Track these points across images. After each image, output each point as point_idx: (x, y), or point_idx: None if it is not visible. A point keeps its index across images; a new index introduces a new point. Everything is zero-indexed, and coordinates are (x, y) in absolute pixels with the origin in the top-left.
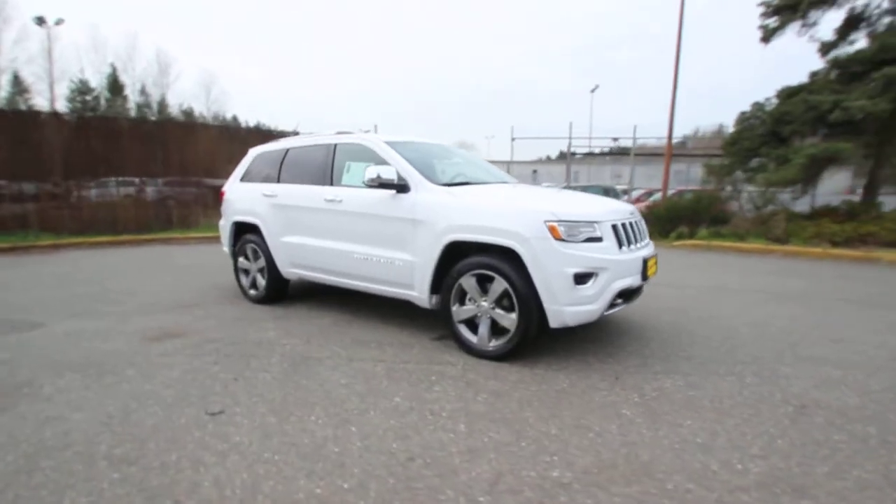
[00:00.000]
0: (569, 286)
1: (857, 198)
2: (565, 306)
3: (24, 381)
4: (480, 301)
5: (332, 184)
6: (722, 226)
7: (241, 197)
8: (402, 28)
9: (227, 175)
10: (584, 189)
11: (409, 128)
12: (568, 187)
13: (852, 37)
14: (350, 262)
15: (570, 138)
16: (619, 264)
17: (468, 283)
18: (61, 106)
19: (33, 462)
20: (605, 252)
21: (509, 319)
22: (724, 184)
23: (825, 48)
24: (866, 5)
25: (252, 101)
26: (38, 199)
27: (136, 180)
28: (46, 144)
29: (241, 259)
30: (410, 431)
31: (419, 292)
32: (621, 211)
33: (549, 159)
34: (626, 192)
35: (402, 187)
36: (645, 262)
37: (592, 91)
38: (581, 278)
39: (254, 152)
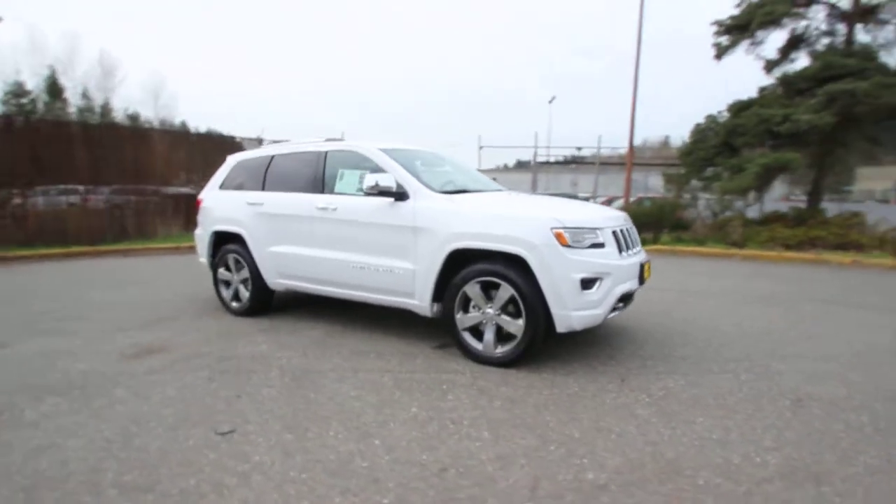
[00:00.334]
0: (576, 291)
1: (791, 205)
2: (572, 311)
3: (2, 407)
4: (486, 308)
5: (323, 191)
6: (683, 231)
7: (222, 205)
8: (357, 36)
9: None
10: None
11: (366, 135)
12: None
13: (793, 55)
14: (345, 271)
15: (535, 147)
16: (620, 269)
17: (473, 290)
18: None
19: (33, 496)
20: (608, 257)
21: (516, 325)
22: (683, 192)
23: (769, 65)
24: (806, 27)
25: (204, 107)
26: None
27: (80, 188)
28: None
29: (221, 270)
30: (436, 441)
31: (420, 301)
32: (618, 217)
33: (506, 168)
34: (588, 199)
35: (400, 195)
36: (642, 266)
37: (550, 102)
38: (587, 283)
39: (234, 159)
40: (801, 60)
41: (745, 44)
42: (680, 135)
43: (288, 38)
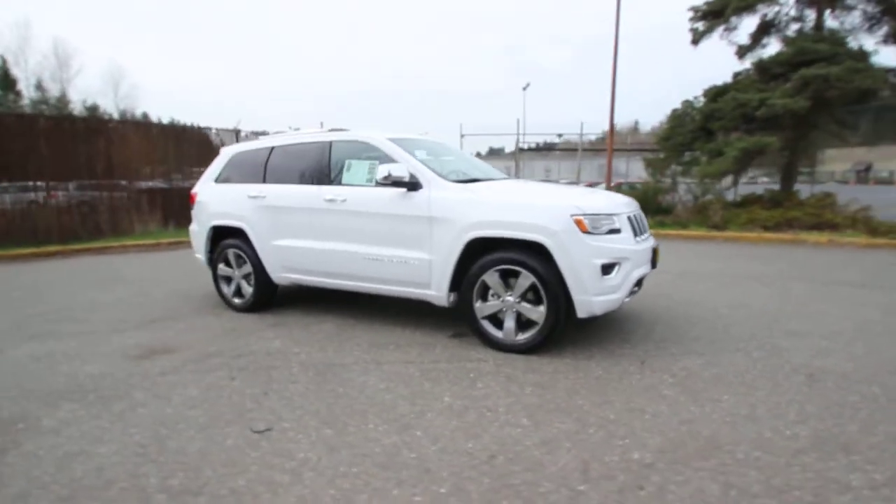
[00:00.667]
0: (597, 277)
1: (755, 188)
2: (593, 296)
3: (15, 416)
4: (505, 296)
5: (330, 183)
6: (665, 216)
7: (219, 199)
8: (321, 25)
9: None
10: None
11: (337, 125)
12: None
13: (765, 41)
14: (357, 263)
15: (518, 134)
16: (636, 254)
17: (492, 278)
18: None
19: None
20: (625, 243)
21: (537, 312)
22: (664, 176)
23: (742, 51)
24: (777, 12)
25: (166, 99)
26: None
27: (41, 184)
28: None
29: (221, 266)
30: (477, 430)
31: (437, 291)
32: (630, 204)
33: (479, 155)
34: (571, 185)
35: (413, 185)
36: (654, 250)
37: (524, 89)
38: (607, 269)
39: (230, 151)
40: (772, 46)
41: (720, 29)
42: (648, 121)
43: (254, 30)
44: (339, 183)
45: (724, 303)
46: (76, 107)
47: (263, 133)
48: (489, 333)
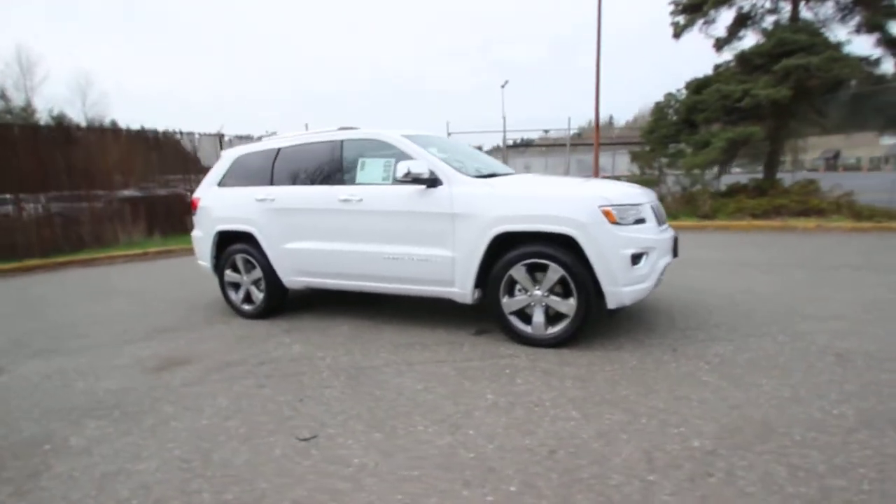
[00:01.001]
0: (626, 267)
1: (733, 177)
2: (623, 287)
3: (38, 437)
4: (533, 290)
5: (343, 182)
6: None
7: (225, 203)
8: (289, 25)
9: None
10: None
11: (305, 126)
12: None
13: (741, 33)
14: (375, 263)
15: (504, 132)
16: (660, 243)
17: (519, 273)
18: None
19: None
20: (651, 232)
21: (567, 305)
22: (651, 168)
23: (719, 43)
24: (753, 5)
25: (136, 106)
26: None
27: (8, 196)
28: None
29: (228, 272)
30: (530, 426)
31: (461, 288)
32: (650, 194)
33: None
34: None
35: (433, 181)
36: (675, 239)
37: (502, 87)
38: (635, 258)
39: (232, 154)
40: (748, 38)
41: (699, 23)
42: (622, 116)
43: (225, 34)
44: (353, 182)
45: (734, 290)
46: (42, 116)
47: (247, 137)
48: (518, 328)
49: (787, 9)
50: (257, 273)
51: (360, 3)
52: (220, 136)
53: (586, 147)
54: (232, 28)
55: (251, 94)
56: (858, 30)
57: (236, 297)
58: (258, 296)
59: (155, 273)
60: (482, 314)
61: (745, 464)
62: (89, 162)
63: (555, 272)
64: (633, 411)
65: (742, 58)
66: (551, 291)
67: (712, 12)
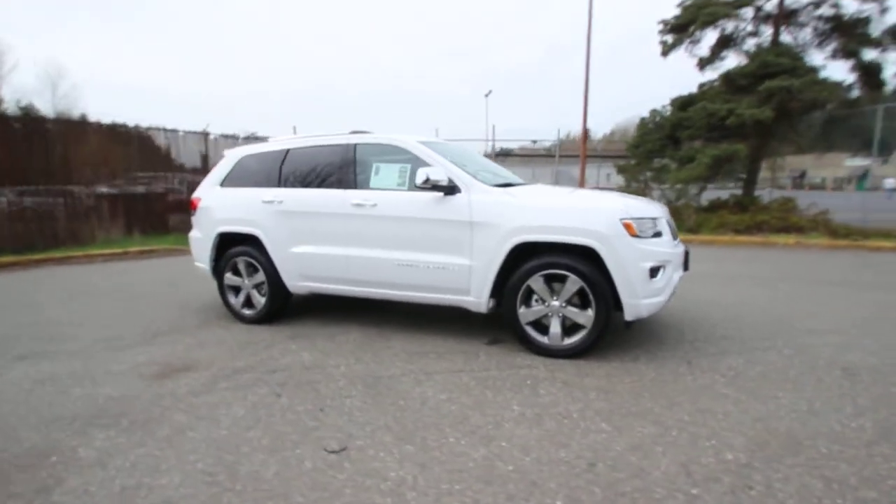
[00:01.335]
0: (645, 280)
1: (710, 193)
2: (642, 299)
3: (42, 447)
4: (551, 301)
5: (356, 187)
6: None
7: (228, 204)
8: (274, 28)
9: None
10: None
11: (287, 130)
12: None
13: (723, 54)
14: (388, 270)
15: (492, 140)
16: (675, 256)
17: (537, 284)
18: None
19: None
20: (667, 246)
21: (585, 316)
22: (638, 182)
23: (702, 63)
24: (736, 27)
25: (108, 100)
26: None
27: None
28: None
29: (228, 275)
30: (562, 438)
31: (476, 297)
32: (664, 209)
33: None
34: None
35: (451, 189)
36: (687, 254)
37: (486, 95)
38: (654, 271)
39: (237, 154)
40: (730, 59)
41: (686, 42)
42: (599, 129)
43: (206, 34)
44: (367, 187)
45: (731, 302)
46: (9, 106)
47: (233, 136)
48: (534, 339)
49: (767, 32)
50: (260, 277)
51: (341, 7)
52: (206, 135)
53: (570, 158)
54: (207, 25)
55: (224, 92)
56: (834, 55)
57: (236, 301)
58: (259, 300)
59: (137, 273)
60: (492, 323)
61: (779, 476)
62: (64, 155)
63: (574, 283)
64: (661, 423)
65: (727, 78)
66: (569, 302)
67: (698, 33)
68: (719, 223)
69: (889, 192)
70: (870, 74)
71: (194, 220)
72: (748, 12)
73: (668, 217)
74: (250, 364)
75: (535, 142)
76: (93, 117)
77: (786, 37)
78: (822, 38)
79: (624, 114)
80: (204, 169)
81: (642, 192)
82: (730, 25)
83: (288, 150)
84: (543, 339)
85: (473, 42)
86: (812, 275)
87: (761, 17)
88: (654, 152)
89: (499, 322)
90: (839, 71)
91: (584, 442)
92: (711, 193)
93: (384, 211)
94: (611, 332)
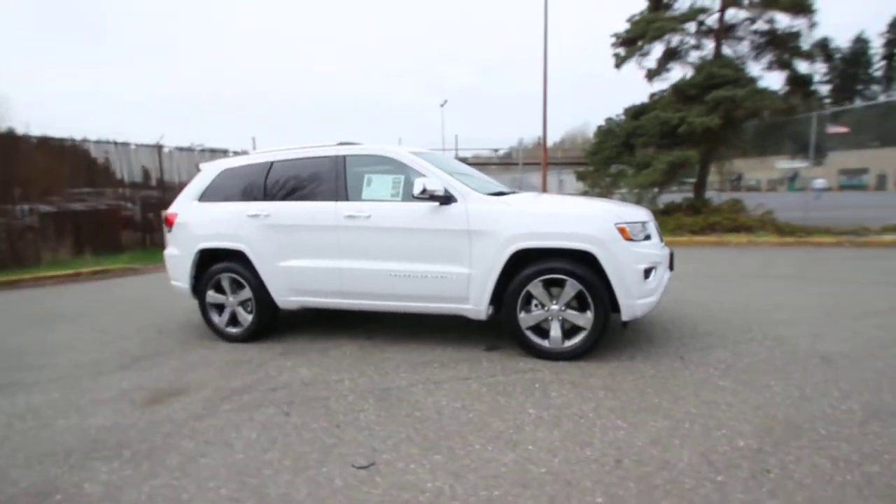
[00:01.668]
0: (640, 281)
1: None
2: (637, 300)
3: (41, 486)
4: (550, 305)
5: (347, 199)
6: None
7: (209, 219)
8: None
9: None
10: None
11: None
12: None
13: (669, 66)
14: (384, 281)
15: (456, 149)
16: (663, 258)
17: (536, 289)
18: None
19: None
20: (656, 248)
21: (584, 318)
22: (598, 187)
23: (650, 74)
24: (680, 41)
25: (40, 111)
26: None
27: None
28: None
29: (211, 293)
30: (584, 437)
31: (475, 304)
32: (649, 213)
33: None
34: None
35: (447, 198)
36: (671, 255)
37: (442, 105)
38: (647, 273)
39: (216, 167)
40: (675, 71)
41: (636, 55)
42: (551, 137)
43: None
44: (359, 198)
45: (704, 300)
46: None
47: (188, 149)
48: (535, 343)
49: (709, 46)
50: (246, 293)
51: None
52: (160, 147)
53: (529, 166)
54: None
55: (179, 105)
56: (770, 67)
57: (219, 319)
58: (246, 318)
59: (95, 296)
60: (486, 330)
61: (792, 458)
62: (17, 172)
63: (572, 287)
64: (672, 417)
65: (677, 88)
66: (568, 306)
67: (646, 46)
68: (676, 225)
69: (817, 191)
70: (801, 84)
71: (170, 236)
72: (692, 27)
73: (654, 221)
74: (247, 383)
75: (496, 150)
76: (13, 130)
77: (726, 49)
78: (758, 51)
79: (573, 122)
80: (159, 184)
81: (603, 196)
82: (675, 39)
83: (272, 163)
84: (544, 343)
85: (416, 60)
86: (769, 271)
87: (703, 32)
88: (612, 159)
89: (493, 328)
90: (775, 81)
91: (605, 440)
92: (665, 197)
93: (379, 222)
94: (606, 333)
